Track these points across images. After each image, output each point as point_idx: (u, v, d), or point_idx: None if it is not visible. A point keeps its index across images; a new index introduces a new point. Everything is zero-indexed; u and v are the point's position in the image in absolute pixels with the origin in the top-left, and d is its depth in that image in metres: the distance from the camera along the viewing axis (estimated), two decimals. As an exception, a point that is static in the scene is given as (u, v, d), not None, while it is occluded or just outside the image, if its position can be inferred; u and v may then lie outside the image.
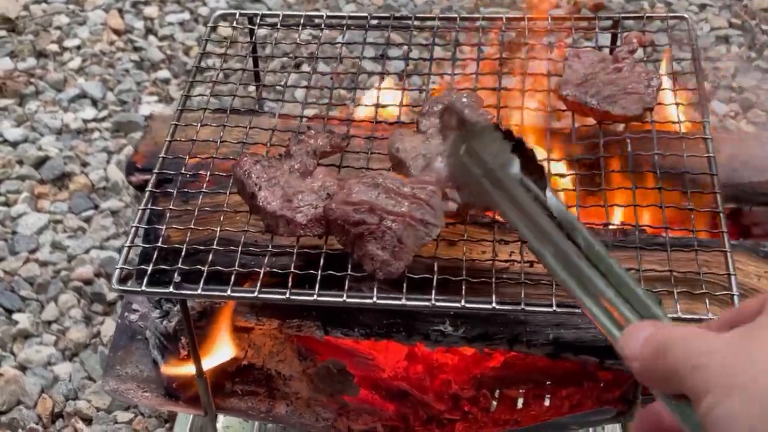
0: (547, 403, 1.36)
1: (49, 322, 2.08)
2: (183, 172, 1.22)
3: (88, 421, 1.89)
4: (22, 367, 1.99)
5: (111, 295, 2.11)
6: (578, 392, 1.33)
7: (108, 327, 2.05)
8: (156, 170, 1.22)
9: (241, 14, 1.47)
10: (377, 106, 1.31)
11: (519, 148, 0.90)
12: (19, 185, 2.39)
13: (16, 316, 2.08)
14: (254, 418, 1.41)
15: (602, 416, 1.33)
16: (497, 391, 1.37)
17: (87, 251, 2.22)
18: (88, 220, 2.31)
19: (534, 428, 1.36)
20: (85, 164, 2.45)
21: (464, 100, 1.20)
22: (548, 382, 1.35)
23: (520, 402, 1.37)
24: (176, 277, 1.07)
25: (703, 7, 2.89)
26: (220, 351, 1.32)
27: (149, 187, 1.21)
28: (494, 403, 1.37)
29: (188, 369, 1.30)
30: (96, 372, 1.97)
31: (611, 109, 1.20)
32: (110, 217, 2.31)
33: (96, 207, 2.35)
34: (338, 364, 1.33)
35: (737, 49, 2.74)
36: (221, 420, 1.59)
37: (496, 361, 1.36)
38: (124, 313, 1.47)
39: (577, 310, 1.03)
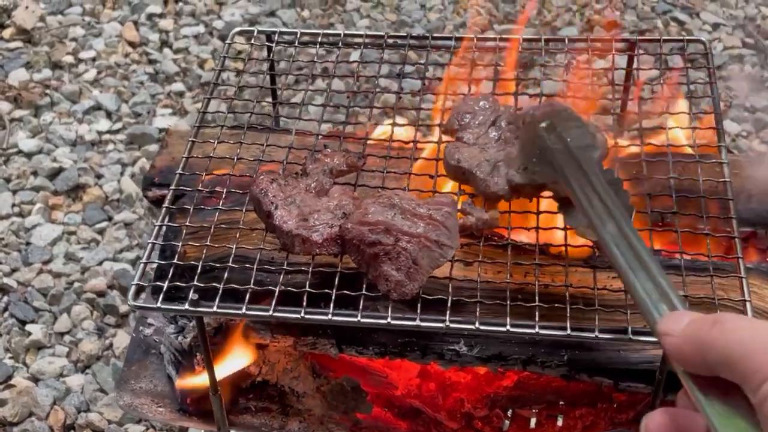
0: (560, 423, 1.36)
1: (62, 334, 2.09)
2: (200, 188, 1.23)
3: (99, 433, 1.90)
4: (35, 379, 2.00)
5: (124, 308, 2.12)
6: (592, 413, 1.33)
7: (120, 339, 2.06)
8: (173, 186, 1.23)
9: (259, 31, 1.47)
10: (393, 125, 1.32)
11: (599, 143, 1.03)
12: (33, 196, 2.40)
13: (29, 327, 2.09)
14: (267, 434, 1.42)
15: (615, 438, 1.32)
16: (510, 410, 1.37)
17: (100, 263, 2.23)
18: (101, 231, 2.33)
19: (546, 448, 1.36)
20: (99, 176, 2.47)
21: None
22: (562, 403, 1.35)
23: (533, 422, 1.37)
24: (192, 295, 1.08)
25: (716, 26, 2.89)
26: (235, 365, 1.33)
27: (166, 204, 1.21)
28: (507, 422, 1.37)
29: (203, 384, 1.31)
30: (108, 384, 1.98)
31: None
32: (123, 229, 2.32)
33: (109, 219, 2.36)
34: (352, 382, 1.33)
35: (750, 69, 2.74)
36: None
37: (510, 381, 1.36)
38: (138, 327, 1.47)
39: (590, 335, 1.03)
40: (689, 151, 1.27)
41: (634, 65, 1.39)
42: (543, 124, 1.06)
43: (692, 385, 0.63)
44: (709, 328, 0.62)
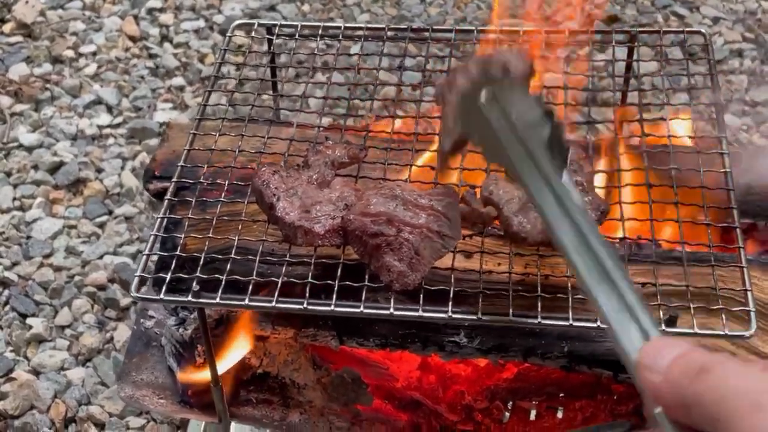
0: (560, 415, 1.36)
1: (63, 327, 2.09)
2: (201, 180, 1.23)
3: (100, 426, 1.90)
4: (36, 372, 2.00)
5: (124, 301, 2.12)
6: (591, 405, 1.33)
7: (121, 332, 2.06)
8: (174, 179, 1.23)
9: (259, 24, 1.48)
10: (394, 117, 1.32)
11: (548, 118, 0.85)
12: (33, 190, 2.40)
13: (29, 321, 2.09)
14: (268, 426, 1.42)
15: (615, 429, 1.32)
16: (510, 402, 1.38)
17: (101, 257, 2.24)
18: (102, 225, 2.33)
19: (547, 440, 1.36)
20: (99, 170, 2.47)
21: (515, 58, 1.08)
22: (561, 394, 1.35)
23: (533, 414, 1.37)
24: (195, 286, 1.08)
25: (716, 20, 2.89)
26: (236, 356, 1.33)
27: (168, 196, 1.22)
28: (507, 414, 1.38)
29: (204, 376, 1.31)
30: (109, 377, 1.98)
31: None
32: (124, 223, 2.32)
33: (110, 213, 2.36)
34: (352, 374, 1.34)
35: (750, 63, 2.74)
36: (233, 427, 1.60)
37: (510, 373, 1.36)
38: (139, 319, 1.47)
39: (592, 324, 1.03)
40: (689, 142, 1.27)
41: (634, 57, 1.39)
42: (483, 94, 0.92)
43: (670, 427, 0.56)
44: (695, 376, 0.54)
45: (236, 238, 1.14)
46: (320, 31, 1.46)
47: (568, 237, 0.72)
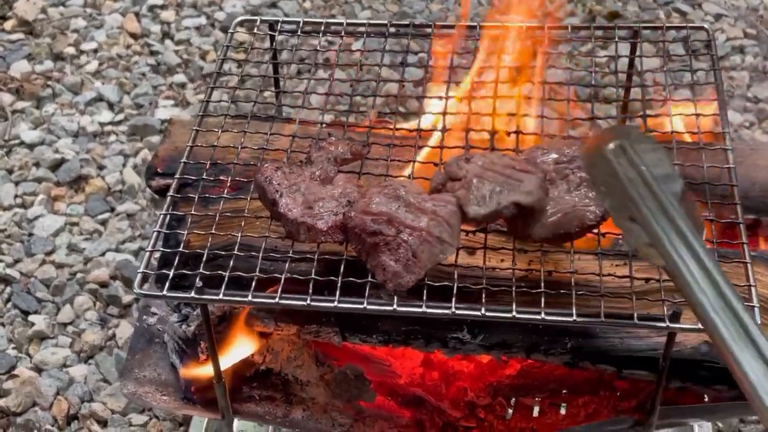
0: (563, 411, 1.36)
1: (65, 324, 2.09)
2: (204, 177, 1.23)
3: (103, 423, 1.90)
4: (38, 369, 2.00)
5: (126, 298, 2.12)
6: (595, 401, 1.33)
7: (123, 330, 2.06)
8: (177, 175, 1.23)
9: (262, 21, 1.47)
10: (396, 113, 1.32)
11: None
12: (35, 187, 2.40)
13: (32, 318, 2.09)
14: (271, 422, 1.42)
15: (619, 426, 1.32)
16: (513, 399, 1.38)
17: (103, 254, 2.23)
18: (104, 222, 2.33)
19: (550, 437, 1.36)
20: (101, 167, 2.47)
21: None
22: (565, 391, 1.35)
23: (536, 410, 1.37)
24: (198, 283, 1.08)
25: (718, 17, 2.89)
26: (239, 353, 1.33)
27: (170, 192, 1.22)
28: (510, 411, 1.38)
29: (207, 373, 1.31)
30: (111, 374, 1.98)
31: None
32: (126, 220, 2.32)
33: (112, 210, 2.36)
34: (355, 370, 1.34)
35: (752, 60, 2.74)
36: (235, 424, 1.60)
37: (513, 369, 1.36)
38: (142, 316, 1.47)
39: (595, 319, 1.03)
40: (694, 138, 1.27)
41: (637, 53, 1.39)
42: (611, 146, 0.90)
43: None
44: None
45: (239, 234, 1.14)
46: (322, 28, 1.45)
47: (707, 298, 0.71)
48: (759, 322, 0.99)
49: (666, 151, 0.84)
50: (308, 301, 1.06)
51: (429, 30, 1.43)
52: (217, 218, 1.17)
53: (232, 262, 1.11)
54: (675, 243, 0.75)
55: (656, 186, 0.80)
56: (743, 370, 0.63)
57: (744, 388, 0.64)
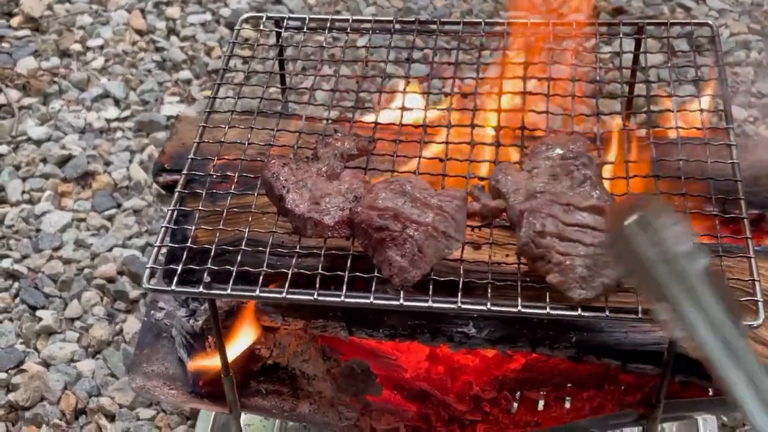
0: (567, 405, 1.37)
1: (73, 320, 2.10)
2: (211, 173, 1.24)
3: (110, 417, 1.91)
4: (46, 364, 2.01)
5: (134, 293, 2.14)
6: (599, 395, 1.34)
7: (130, 324, 2.07)
8: (185, 171, 1.24)
9: (268, 17, 1.48)
10: (402, 109, 1.32)
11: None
12: (42, 183, 2.42)
13: (39, 313, 2.11)
14: (278, 416, 1.43)
15: (623, 419, 1.33)
16: (518, 392, 1.38)
17: (110, 249, 2.25)
18: (110, 218, 2.34)
19: (554, 430, 1.37)
20: (107, 163, 2.48)
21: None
22: (569, 385, 1.36)
23: (541, 404, 1.38)
24: (206, 278, 1.09)
25: (722, 12, 2.89)
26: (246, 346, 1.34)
27: (178, 188, 1.22)
28: (515, 404, 1.38)
29: (214, 367, 1.32)
30: (118, 369, 1.99)
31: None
32: (133, 216, 2.33)
33: (119, 206, 2.37)
34: (362, 364, 1.35)
35: (756, 55, 2.74)
36: (242, 418, 1.61)
37: (518, 363, 1.37)
38: (149, 311, 1.48)
39: (600, 314, 1.03)
40: (698, 134, 1.27)
41: (642, 49, 1.39)
42: (630, 221, 0.86)
43: None
44: None
45: (246, 229, 1.15)
46: (328, 24, 1.46)
47: (740, 378, 0.72)
48: (764, 317, 1.01)
49: (687, 224, 0.83)
50: (315, 296, 1.07)
51: (434, 27, 1.44)
52: (224, 214, 1.18)
53: (239, 258, 1.11)
54: (712, 343, 0.75)
55: (681, 265, 0.78)
56: None
57: None
